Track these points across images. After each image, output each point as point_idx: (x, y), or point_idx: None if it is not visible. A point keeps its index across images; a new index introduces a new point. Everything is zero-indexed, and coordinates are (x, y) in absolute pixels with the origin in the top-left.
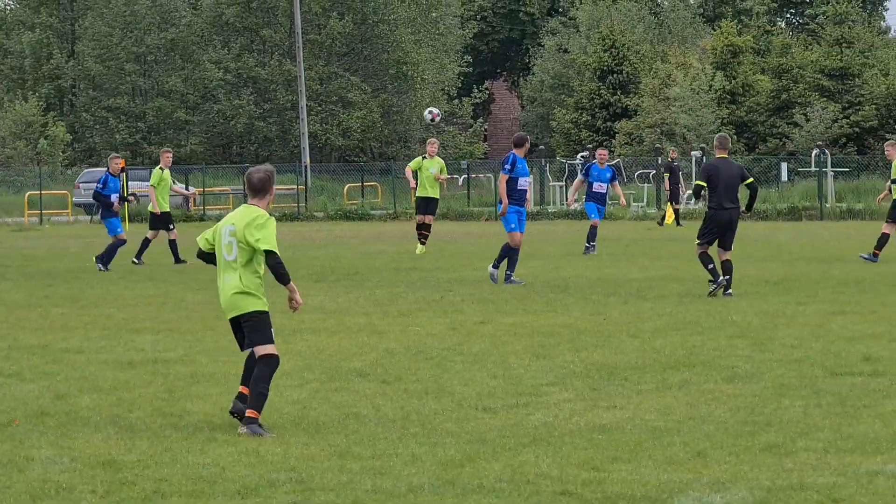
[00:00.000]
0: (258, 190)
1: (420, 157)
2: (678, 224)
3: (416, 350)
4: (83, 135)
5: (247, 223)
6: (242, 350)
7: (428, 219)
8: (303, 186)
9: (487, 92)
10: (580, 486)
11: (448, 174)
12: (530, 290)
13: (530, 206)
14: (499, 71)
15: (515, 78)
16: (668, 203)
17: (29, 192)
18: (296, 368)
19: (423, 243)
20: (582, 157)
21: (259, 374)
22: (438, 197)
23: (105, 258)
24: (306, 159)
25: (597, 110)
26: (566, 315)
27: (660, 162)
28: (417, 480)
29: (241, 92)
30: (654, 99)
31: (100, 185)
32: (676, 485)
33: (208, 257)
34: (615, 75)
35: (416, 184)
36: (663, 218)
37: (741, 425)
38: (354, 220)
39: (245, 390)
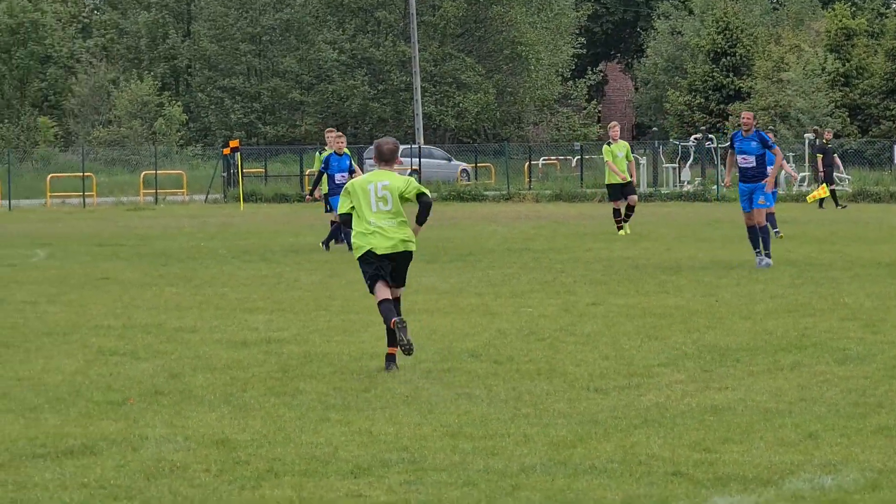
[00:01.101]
0: (389, 159)
1: (606, 145)
2: (837, 205)
3: (528, 331)
4: (198, 115)
5: (404, 187)
6: (374, 282)
7: (632, 199)
8: (416, 168)
9: (601, 73)
10: (692, 467)
11: (632, 157)
12: (642, 272)
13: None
14: (612, 52)
15: (629, 60)
16: (823, 185)
17: (144, 172)
18: None
19: (621, 226)
20: (695, 139)
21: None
22: (630, 179)
23: (327, 240)
24: (420, 140)
25: (710, 92)
26: (678, 296)
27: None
28: (529, 461)
29: (355, 73)
30: (767, 81)
31: (323, 166)
32: (788, 466)
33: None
34: (728, 57)
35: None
36: (822, 200)
37: (853, 407)
38: (468, 201)
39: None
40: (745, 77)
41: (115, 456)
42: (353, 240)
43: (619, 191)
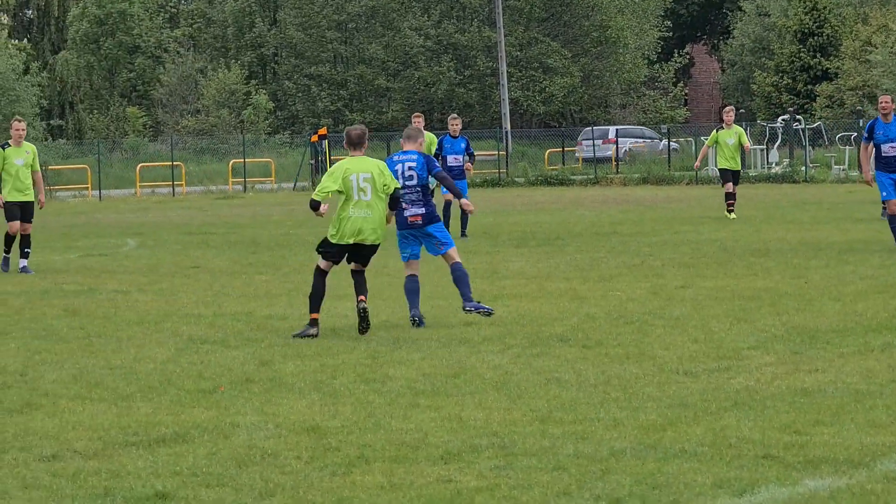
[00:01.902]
0: (358, 144)
1: (714, 130)
2: None
3: (616, 315)
4: (285, 103)
5: (380, 173)
6: (338, 262)
7: (727, 187)
8: (503, 152)
9: (688, 56)
10: (782, 450)
11: (748, 141)
12: (731, 255)
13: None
14: (699, 35)
15: (715, 41)
16: None
17: (233, 160)
18: (497, 334)
19: (730, 211)
20: (783, 120)
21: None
22: (739, 168)
23: None
24: (507, 125)
25: (797, 73)
26: (767, 279)
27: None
28: (619, 445)
29: (441, 59)
30: (854, 62)
31: (437, 149)
32: (879, 448)
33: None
34: (815, 38)
35: (700, 161)
36: None
37: None
38: (555, 186)
39: (363, 299)
40: (832, 57)
41: (207, 443)
42: (331, 225)
43: (729, 174)
